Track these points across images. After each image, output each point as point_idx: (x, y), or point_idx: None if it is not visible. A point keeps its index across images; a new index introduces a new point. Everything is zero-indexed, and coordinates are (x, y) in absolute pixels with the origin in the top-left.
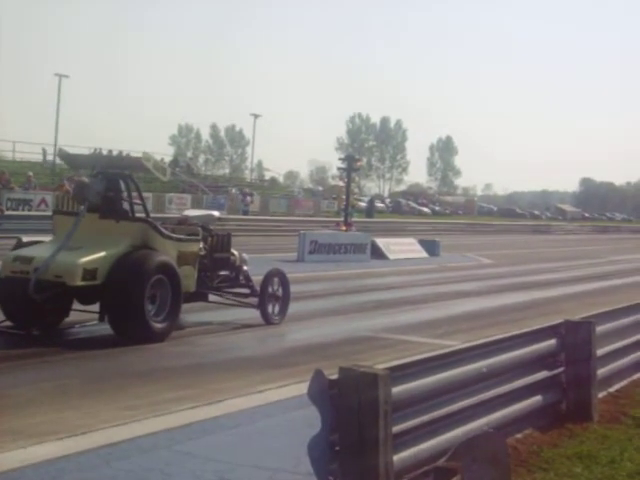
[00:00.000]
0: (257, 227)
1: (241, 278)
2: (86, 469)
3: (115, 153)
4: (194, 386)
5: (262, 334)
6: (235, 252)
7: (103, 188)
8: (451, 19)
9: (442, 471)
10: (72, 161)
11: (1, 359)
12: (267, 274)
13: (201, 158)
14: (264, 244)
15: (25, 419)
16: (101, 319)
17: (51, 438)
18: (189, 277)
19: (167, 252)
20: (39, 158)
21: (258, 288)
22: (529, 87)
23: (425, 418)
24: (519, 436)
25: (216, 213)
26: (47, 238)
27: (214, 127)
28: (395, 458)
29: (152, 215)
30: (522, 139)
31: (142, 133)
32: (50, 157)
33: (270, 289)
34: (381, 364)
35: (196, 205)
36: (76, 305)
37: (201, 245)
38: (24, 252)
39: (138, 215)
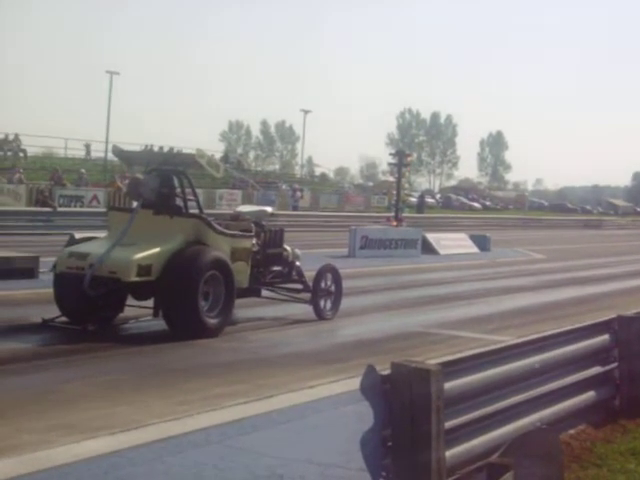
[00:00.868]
0: (307, 223)
1: (294, 274)
2: (138, 464)
3: (166, 150)
4: (245, 381)
5: (314, 329)
6: (288, 247)
7: (157, 185)
8: (501, 15)
9: (495, 467)
10: (126, 158)
11: (54, 354)
12: (320, 269)
13: (251, 154)
14: (315, 239)
15: (78, 414)
16: (155, 314)
17: (104, 433)
18: (242, 273)
19: (220, 248)
20: (92, 155)
21: (311, 284)
22: (581, 81)
23: (477, 414)
24: (572, 432)
25: (269, 209)
26: (99, 234)
27: (264, 123)
28: (447, 454)
29: (204, 211)
30: (573, 133)
31: (193, 129)
32: (95, 153)
33: (323, 284)
34: (433, 359)
35: (246, 201)
36: (130, 301)
37: (254, 241)
38: (79, 248)
39: (192, 211)
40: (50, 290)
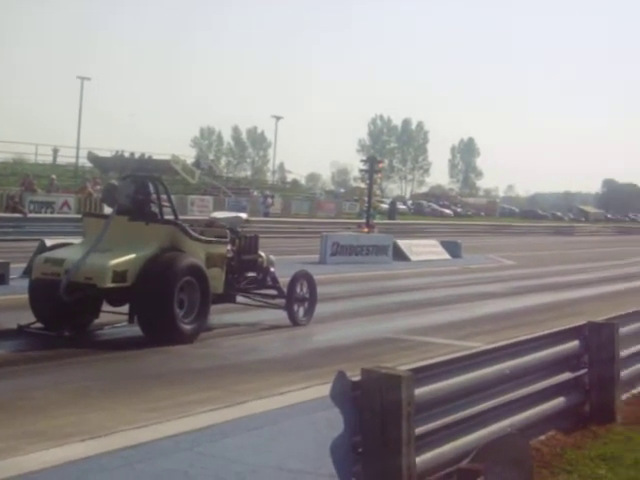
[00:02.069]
0: (279, 229)
1: (268, 280)
2: (109, 470)
3: (138, 156)
4: (217, 388)
5: (287, 335)
6: (262, 254)
7: (132, 191)
8: (471, 21)
9: (465, 473)
10: (101, 164)
11: (25, 361)
12: (294, 276)
13: (223, 160)
14: (286, 246)
15: (48, 421)
16: (130, 320)
17: (74, 440)
18: (217, 279)
19: (196, 254)
20: (63, 161)
21: (285, 290)
22: (551, 88)
23: (448, 420)
24: (542, 438)
25: (244, 215)
26: (70, 240)
27: (236, 129)
28: (418, 460)
29: (179, 217)
30: (544, 140)
31: (164, 135)
32: (66, 159)
33: (297, 291)
34: (404, 366)
35: (218, 207)
36: (106, 307)
37: (229, 247)
38: (55, 254)
39: (167, 217)
40: (21, 296)
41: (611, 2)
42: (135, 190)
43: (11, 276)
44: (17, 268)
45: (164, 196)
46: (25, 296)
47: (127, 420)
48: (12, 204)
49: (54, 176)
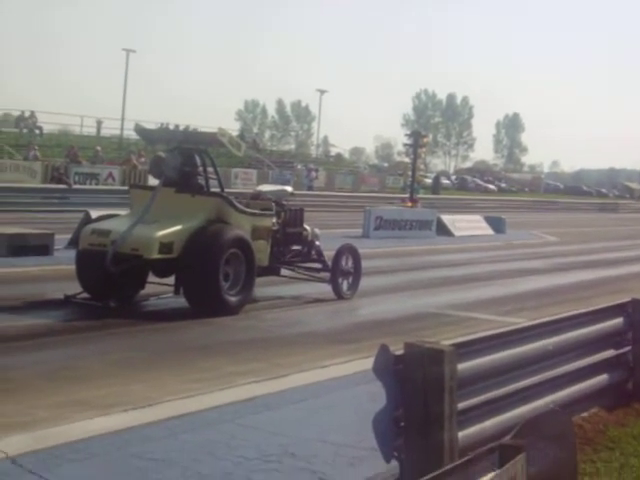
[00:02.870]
0: (322, 202)
1: (313, 253)
2: (152, 441)
3: (182, 128)
4: (260, 360)
5: (328, 309)
6: (307, 227)
7: (179, 163)
8: None
9: (507, 448)
10: (148, 136)
11: (71, 331)
12: (339, 249)
13: (267, 133)
14: (329, 219)
15: (91, 391)
16: (176, 292)
17: (117, 410)
18: (262, 251)
19: (241, 226)
20: (107, 133)
21: (330, 263)
22: (597, 64)
23: (490, 395)
24: (585, 415)
25: (289, 188)
26: (114, 212)
27: (280, 102)
28: (460, 434)
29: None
30: (590, 116)
31: (208, 108)
32: (111, 130)
33: (342, 264)
34: (446, 340)
35: (262, 180)
36: (152, 278)
37: (274, 220)
38: (102, 225)
39: (213, 190)
40: (66, 267)
41: None
42: (182, 162)
43: (56, 247)
44: (62, 239)
45: (210, 168)
46: (70, 267)
47: (171, 391)
48: (57, 175)
49: (99, 148)
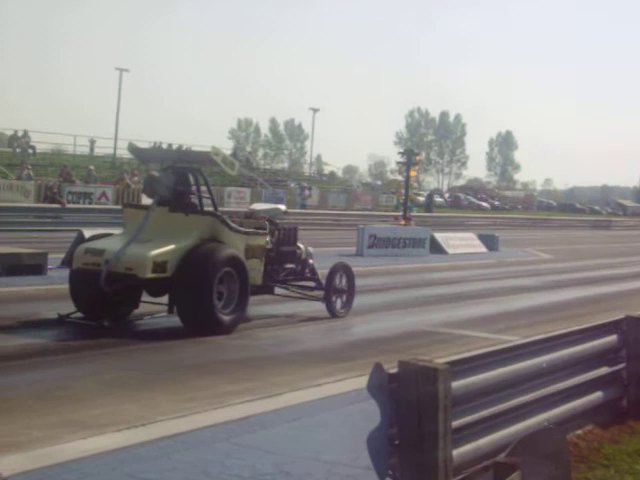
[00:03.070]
0: (316, 221)
1: (307, 271)
2: (145, 460)
3: (175, 147)
4: (254, 379)
5: (322, 327)
6: (301, 245)
7: (173, 182)
8: (510, 12)
9: (502, 466)
10: (141, 155)
11: (64, 350)
12: (333, 267)
13: (260, 152)
14: (323, 238)
15: (85, 410)
16: (170, 311)
17: (111, 429)
18: (256, 270)
19: (235, 245)
20: (101, 152)
21: (323, 281)
22: (590, 81)
23: (484, 413)
24: (580, 432)
25: (283, 207)
26: (108, 231)
27: (273, 121)
28: (454, 453)
29: (219, 209)
30: (583, 134)
31: (202, 127)
32: (104, 150)
33: (336, 282)
34: (441, 358)
35: (255, 199)
36: (145, 297)
37: (268, 238)
38: (95, 245)
39: (207, 209)
40: (59, 286)
41: None
42: (175, 181)
43: (49, 266)
44: (55, 258)
45: (204, 187)
46: (63, 286)
47: (164, 410)
48: (50, 194)
49: (92, 167)
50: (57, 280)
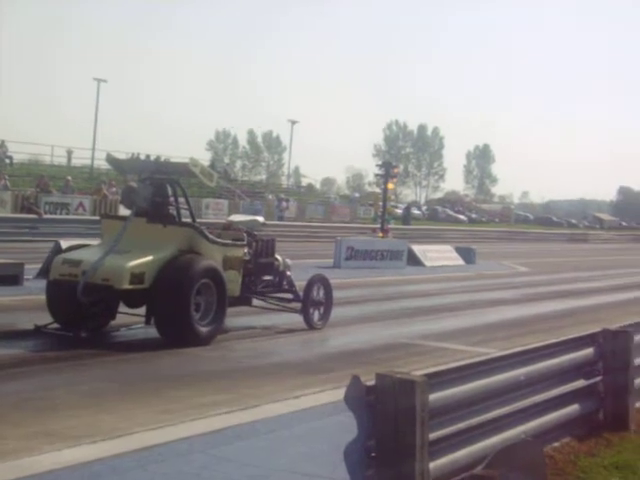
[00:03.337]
0: (293, 233)
1: (284, 283)
2: (121, 472)
3: (153, 158)
4: (230, 391)
5: (300, 339)
6: (279, 257)
7: (151, 193)
8: (489, 25)
9: (479, 479)
10: (120, 166)
11: (41, 361)
12: (310, 279)
13: (238, 164)
14: (300, 250)
15: (60, 421)
16: (147, 322)
17: (86, 441)
18: (234, 281)
19: (213, 257)
20: (78, 162)
21: (301, 293)
22: (567, 95)
23: (462, 425)
24: (556, 445)
25: (261, 218)
26: (85, 242)
27: (251, 133)
28: (431, 465)
29: (197, 220)
30: (560, 147)
31: (179, 138)
32: (82, 160)
33: (313, 294)
34: (418, 371)
35: (233, 211)
36: (123, 308)
37: (246, 250)
38: (72, 255)
39: (185, 220)
40: (36, 297)
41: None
42: (153, 192)
43: (26, 277)
44: (32, 269)
45: (182, 199)
46: (40, 297)
47: (141, 422)
48: (27, 205)
49: (69, 177)
50: (34, 291)
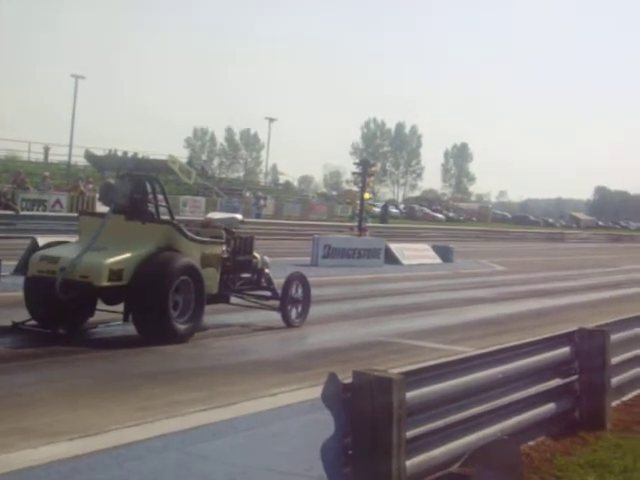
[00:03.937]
0: (271, 231)
1: (263, 281)
2: (98, 469)
3: (130, 155)
4: (207, 388)
5: (277, 337)
6: (257, 255)
7: (129, 190)
8: (466, 24)
9: (455, 477)
10: (98, 163)
11: (17, 358)
12: (288, 277)
13: (216, 161)
14: (278, 248)
15: (37, 418)
16: (125, 319)
17: (63, 438)
18: (212, 279)
19: (191, 254)
20: (55, 159)
21: (279, 291)
22: (545, 94)
23: (439, 423)
24: (532, 443)
25: (239, 216)
26: (62, 238)
27: (229, 130)
28: (408, 463)
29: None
30: (537, 147)
31: (157, 135)
32: (59, 157)
33: (291, 292)
34: (395, 369)
35: (211, 208)
36: (101, 305)
37: (224, 247)
38: (51, 252)
39: (163, 217)
40: (13, 293)
41: (600, 6)
42: (132, 189)
43: (2, 273)
44: (8, 265)
45: (160, 196)
46: (17, 293)
47: (117, 419)
48: (4, 201)
49: (47, 173)
50: (10, 287)
